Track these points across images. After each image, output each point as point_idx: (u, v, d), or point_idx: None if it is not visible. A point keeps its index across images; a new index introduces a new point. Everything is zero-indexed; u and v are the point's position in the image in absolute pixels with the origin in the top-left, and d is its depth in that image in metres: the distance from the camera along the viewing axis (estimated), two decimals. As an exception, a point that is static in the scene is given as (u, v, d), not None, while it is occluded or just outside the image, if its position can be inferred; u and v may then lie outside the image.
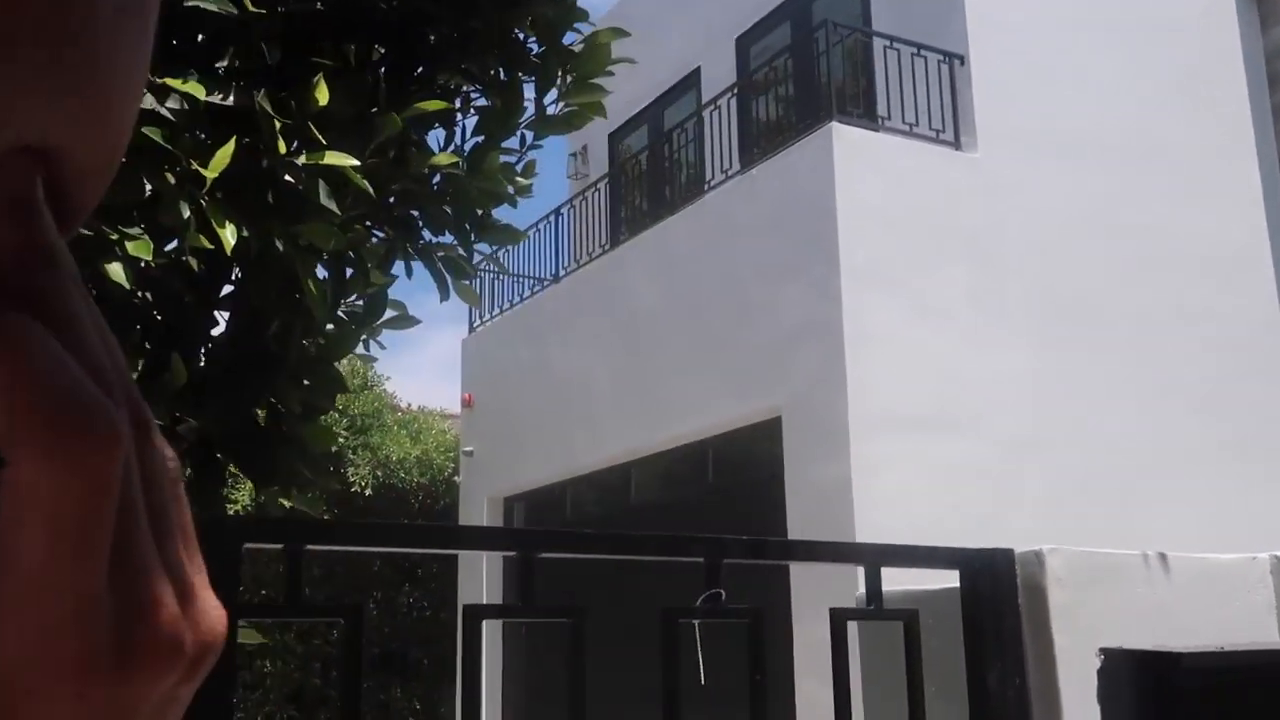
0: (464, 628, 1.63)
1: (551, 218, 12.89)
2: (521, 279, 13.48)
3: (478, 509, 13.39)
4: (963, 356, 8.89)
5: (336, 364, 2.73)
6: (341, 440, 14.61)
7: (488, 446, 13.45)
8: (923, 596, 2.82)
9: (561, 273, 12.76)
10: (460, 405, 14.09)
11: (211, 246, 2.26)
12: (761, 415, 9.26)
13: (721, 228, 10.00)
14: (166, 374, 2.33)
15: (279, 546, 1.56)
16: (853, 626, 2.12)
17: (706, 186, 10.59)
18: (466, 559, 13.43)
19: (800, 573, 8.31)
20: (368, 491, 14.47)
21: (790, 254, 9.09)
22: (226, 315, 2.74)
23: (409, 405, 17.96)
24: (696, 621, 1.98)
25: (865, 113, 9.58)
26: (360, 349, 2.97)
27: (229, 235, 2.24)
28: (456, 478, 14.32)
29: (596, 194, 12.27)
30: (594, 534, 1.80)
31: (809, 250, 8.91)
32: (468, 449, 13.76)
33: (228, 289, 2.78)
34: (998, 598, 2.16)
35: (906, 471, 8.36)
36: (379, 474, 14.75)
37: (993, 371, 8.99)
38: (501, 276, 13.78)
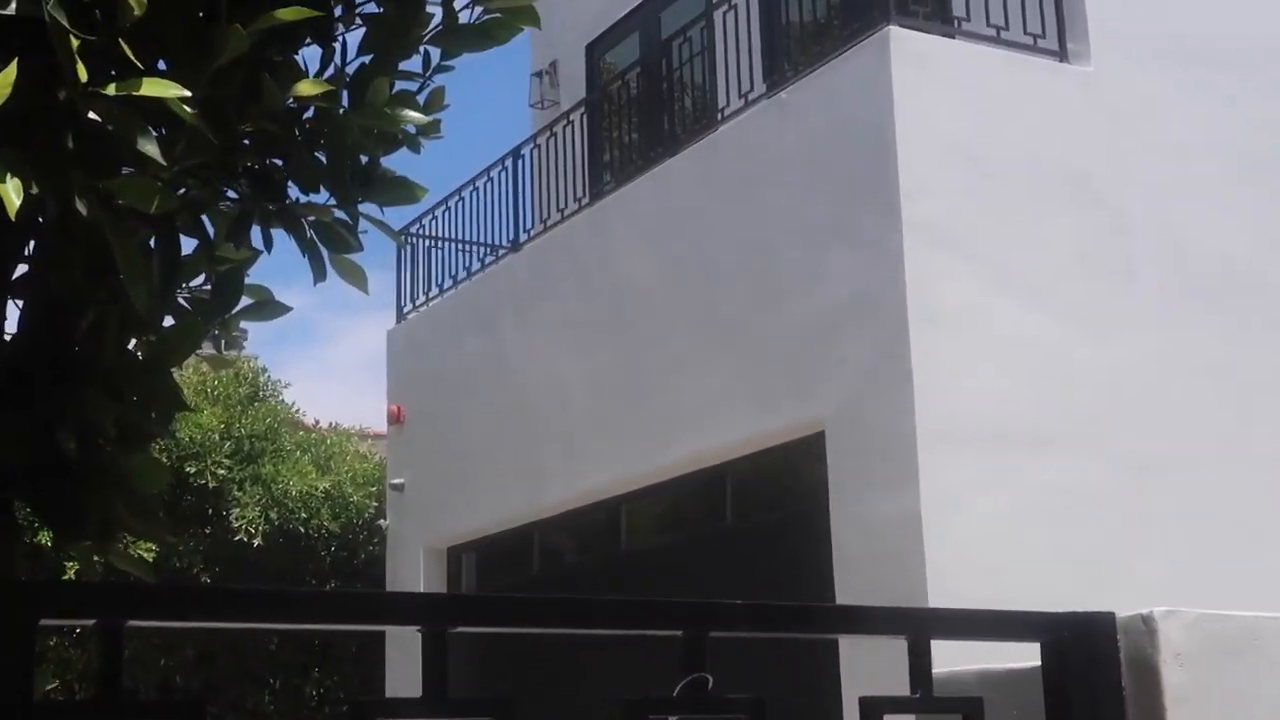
0: (346, 731, 1.63)
1: (508, 162, 12.90)
2: (467, 247, 13.49)
3: (411, 563, 13.42)
4: (1070, 344, 8.89)
5: (175, 370, 2.72)
6: (223, 472, 14.63)
7: (424, 477, 13.47)
8: (998, 678, 2.82)
9: (522, 237, 12.77)
10: (386, 421, 14.11)
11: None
12: (797, 429, 9.27)
13: (740, 172, 10.00)
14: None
15: (89, 622, 1.55)
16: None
17: (720, 116, 10.60)
18: (398, 633, 13.42)
19: (854, 643, 8.32)
20: (257, 541, 14.49)
21: (834, 206, 9.09)
22: (18, 306, 2.73)
23: (315, 422, 18.00)
24: (673, 719, 1.97)
25: (935, 11, 9.58)
26: (208, 346, 2.97)
27: (12, 193, 2.21)
28: (382, 521, 14.35)
29: (569, 128, 12.28)
30: (527, 600, 1.79)
31: (859, 201, 8.92)
32: (397, 481, 13.78)
33: (19, 269, 2.76)
34: (1092, 679, 2.15)
35: (994, 503, 8.36)
36: (274, 516, 14.78)
37: (1111, 365, 8.99)
38: (441, 247, 13.80)
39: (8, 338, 2.78)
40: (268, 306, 3.06)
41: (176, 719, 1.58)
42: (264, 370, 16.83)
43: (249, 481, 14.86)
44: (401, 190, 3.08)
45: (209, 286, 3.03)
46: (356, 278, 3.21)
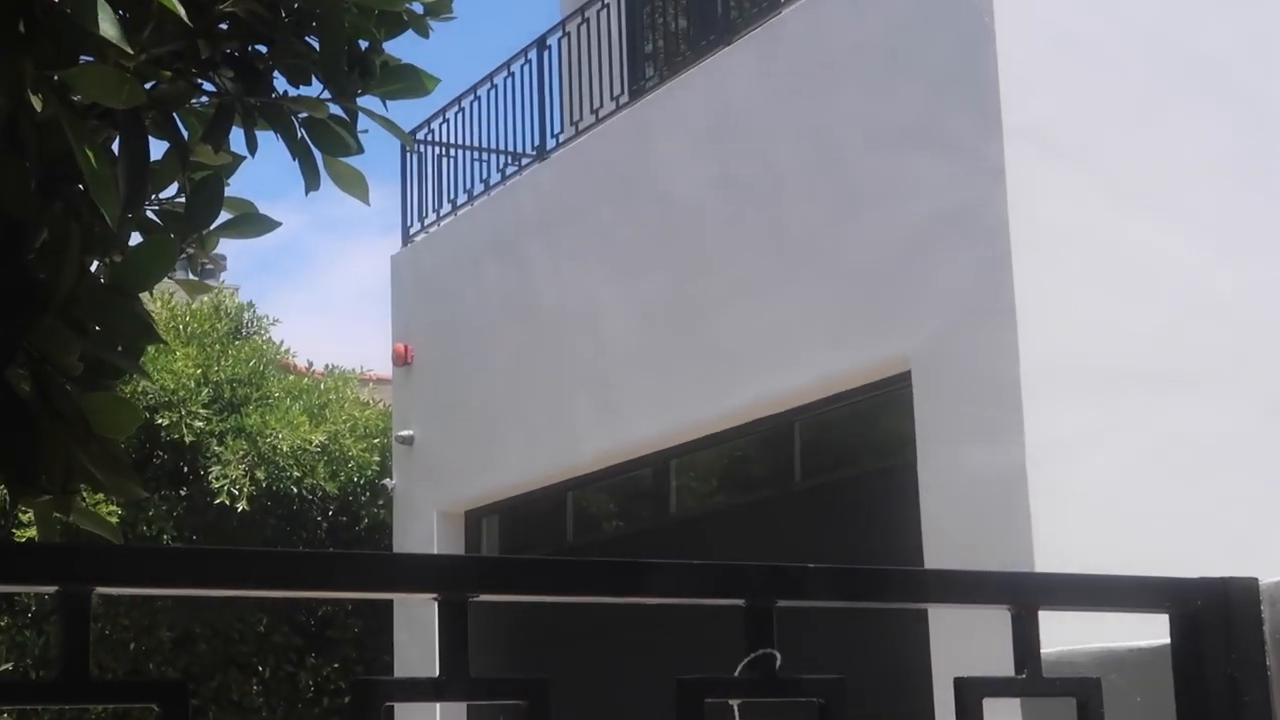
0: (355, 714, 1.65)
1: (532, 54, 12.88)
2: (484, 156, 13.50)
3: (423, 528, 13.53)
4: (1204, 268, 8.85)
5: (143, 297, 2.74)
6: (201, 424, 14.75)
7: (437, 429, 13.55)
8: (1118, 657, 2.83)
9: (550, 144, 12.77)
10: (391, 363, 14.19)
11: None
12: (879, 370, 9.29)
13: (809, 65, 9.96)
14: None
15: (50, 589, 1.58)
16: (1007, 703, 2.12)
17: (783, -3, 10.56)
18: (405, 608, 13.57)
19: (946, 615, 8.37)
20: (241, 505, 14.62)
21: (921, 106, 9.06)
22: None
23: (308, 365, 18.10)
24: (735, 702, 1.98)
25: None
26: (181, 270, 2.99)
27: None
28: (388, 481, 14.46)
29: (605, 13, 12.25)
30: (564, 564, 1.80)
31: (952, 99, 8.88)
32: (405, 433, 13.88)
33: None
34: (1231, 657, 2.16)
35: (1111, 455, 8.36)
36: (260, 475, 14.90)
37: (1254, 291, 8.95)
38: (452, 155, 13.82)
39: None
40: (252, 221, 3.06)
41: (154, 702, 1.60)
42: (248, 305, 16.92)
43: (231, 434, 14.98)
44: (408, 80, 3.08)
45: (181, 198, 3.05)
46: (356, 185, 3.21)
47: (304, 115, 3.00)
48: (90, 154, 2.48)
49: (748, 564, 1.95)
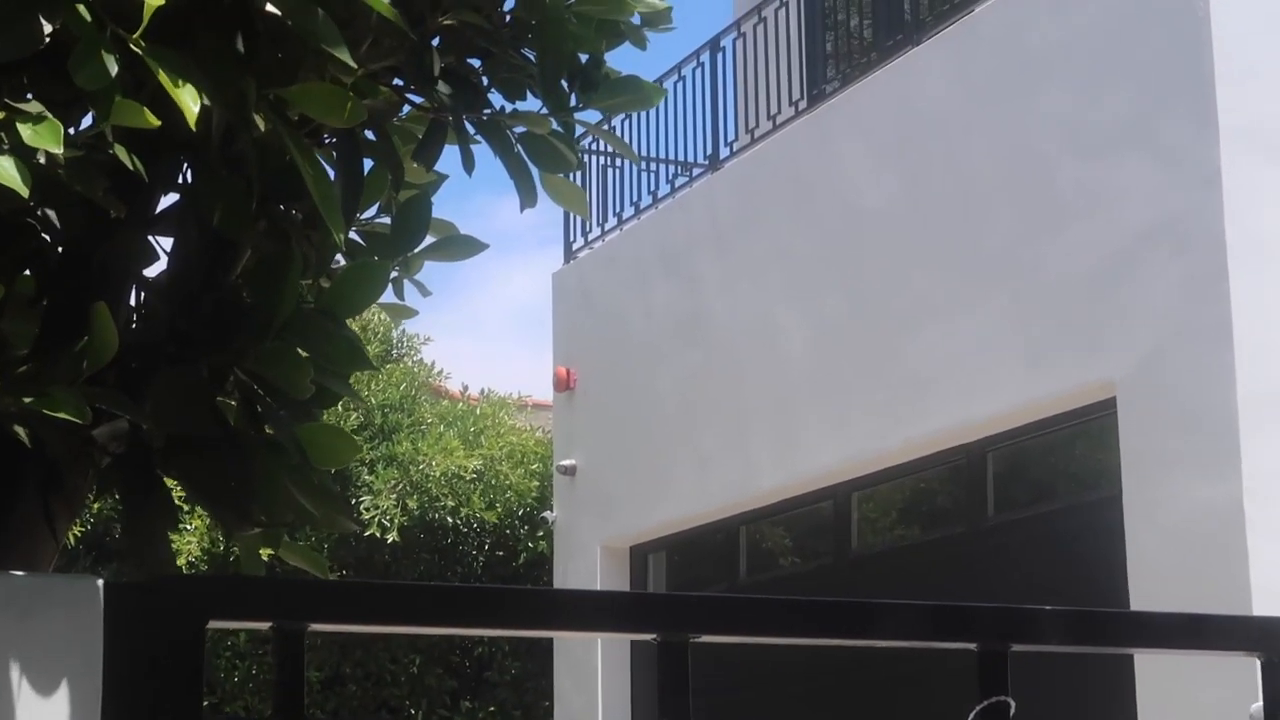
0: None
1: (705, 56, 12.94)
2: (653, 166, 13.57)
3: (586, 563, 13.59)
4: None
5: (349, 323, 2.81)
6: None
7: (601, 458, 13.62)
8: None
9: (724, 152, 12.81)
10: (552, 387, 14.28)
11: (156, 123, 2.33)
12: (1081, 396, 9.21)
13: (1005, 65, 9.92)
14: (82, 339, 2.42)
15: (264, 626, 1.64)
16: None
17: (976, -8, 10.51)
18: (568, 650, 13.65)
19: (1153, 660, 8.29)
20: (392, 536, 14.80)
21: (1128, 107, 8.98)
22: (168, 245, 2.83)
23: (463, 389, 18.27)
24: (967, 752, 2.01)
25: None
26: (388, 295, 3.05)
27: (188, 99, 2.31)
28: (548, 513, 14.56)
29: (783, 11, 12.28)
30: (793, 604, 1.83)
31: (1162, 99, 8.79)
32: (567, 462, 13.96)
33: (167, 200, 2.87)
34: None
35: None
36: (412, 505, 15.07)
37: None
38: (619, 165, 13.89)
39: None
40: (458, 243, 3.12)
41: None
42: (398, 324, 17.10)
43: (382, 463, 15.18)
44: (633, 93, 3.11)
45: (384, 219, 3.12)
46: (574, 200, 3.25)
47: (521, 130, 3.06)
48: (317, 173, 2.56)
49: (979, 605, 1.97)
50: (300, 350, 2.65)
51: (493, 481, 15.59)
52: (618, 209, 13.91)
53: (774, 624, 1.91)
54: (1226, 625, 2.09)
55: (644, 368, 13.10)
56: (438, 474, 15.18)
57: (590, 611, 1.84)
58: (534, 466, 15.84)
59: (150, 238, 2.90)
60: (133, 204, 2.75)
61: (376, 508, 14.82)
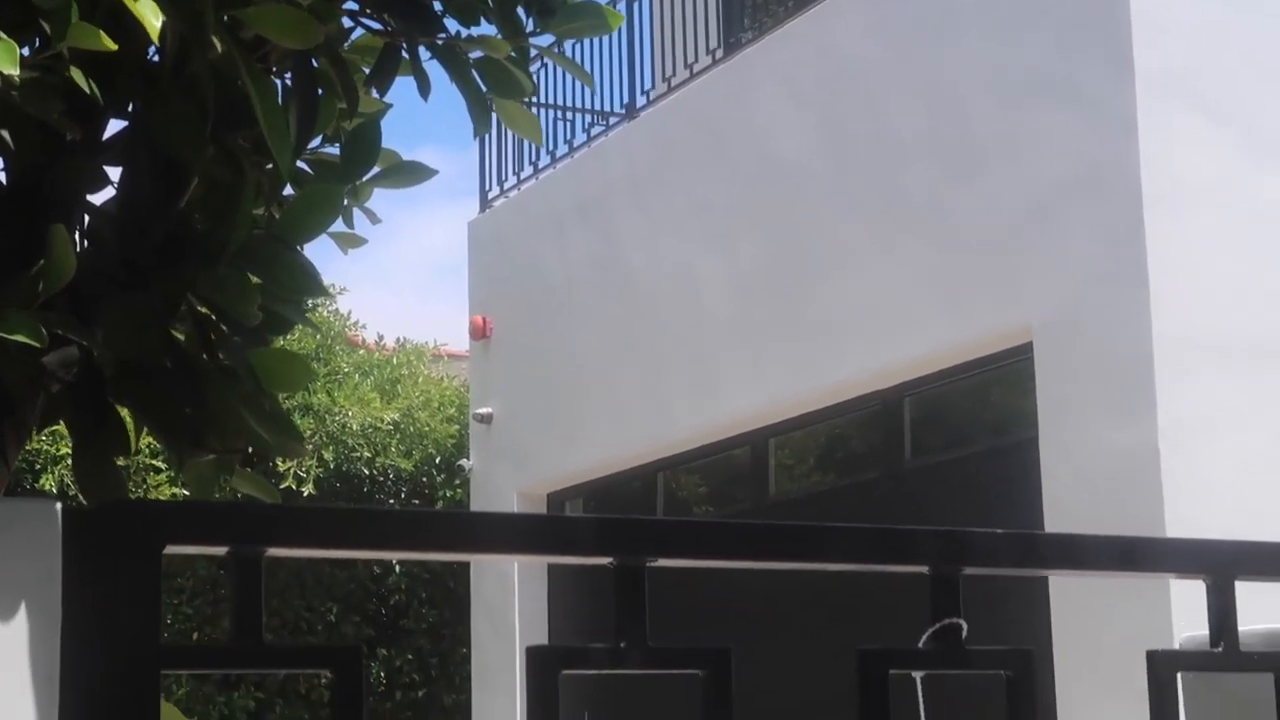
0: (533, 680, 1.69)
1: (621, 5, 12.88)
2: (569, 115, 13.53)
3: (503, 510, 13.56)
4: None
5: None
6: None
7: (518, 406, 13.61)
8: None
9: (640, 101, 12.78)
10: (468, 336, 14.25)
11: (113, 47, 2.30)
12: (998, 341, 9.26)
13: (923, 12, 9.93)
14: (37, 264, 2.38)
15: (221, 550, 1.63)
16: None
17: (893, -60, 10.52)
18: (485, 598, 13.66)
19: (1066, 595, 8.37)
20: (307, 489, 14.74)
21: (1046, 54, 9.01)
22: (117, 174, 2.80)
23: (379, 339, 18.19)
24: (919, 674, 2.01)
25: None
26: (337, 226, 3.02)
27: (148, 14, 2.27)
28: (464, 461, 14.54)
29: (698, -41, 12.25)
30: (744, 527, 1.83)
31: (1079, 46, 8.83)
32: (483, 410, 13.94)
33: (116, 125, 2.83)
34: None
35: (1253, 433, 8.31)
36: (329, 456, 15.01)
37: None
38: (535, 112, 13.83)
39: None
40: (407, 170, 3.10)
41: (328, 668, 1.65)
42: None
43: (297, 413, 15.09)
44: (590, 19, 3.10)
45: (330, 149, 3.09)
46: (528, 127, 3.24)
47: (478, 55, 3.04)
48: (268, 99, 2.53)
49: (932, 529, 1.97)
50: (253, 277, 2.63)
51: (410, 431, 15.55)
52: (534, 158, 13.87)
53: (730, 548, 1.91)
54: (1174, 548, 2.11)
55: (561, 316, 13.09)
56: (354, 426, 15.11)
57: (548, 536, 1.83)
58: (451, 413, 15.80)
59: (99, 165, 2.87)
60: (84, 129, 2.72)
61: (289, 460, 14.74)
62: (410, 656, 15.44)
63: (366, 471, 15.32)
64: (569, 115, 13.57)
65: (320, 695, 15.03)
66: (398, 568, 15.46)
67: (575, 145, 13.46)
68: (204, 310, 2.74)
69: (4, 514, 1.56)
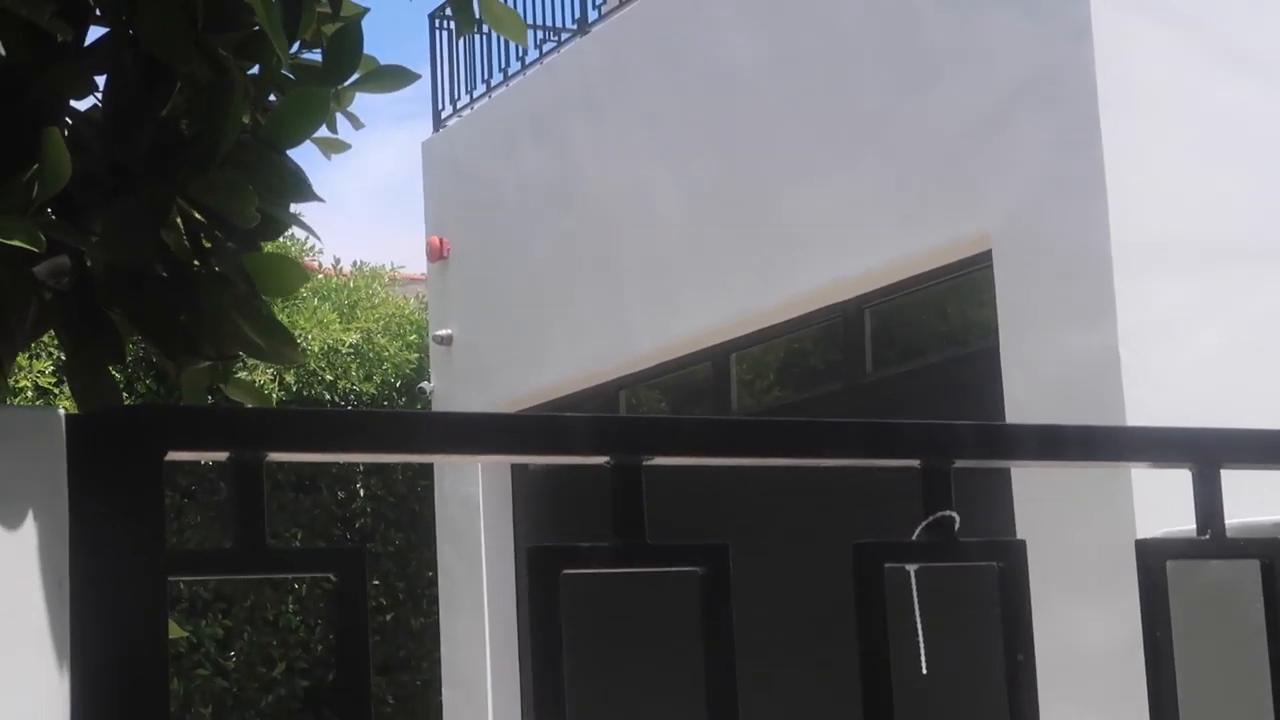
0: (534, 581, 1.70)
1: (569, -81, 12.82)
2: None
3: (465, 434, 13.58)
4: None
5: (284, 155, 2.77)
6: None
7: (477, 327, 13.61)
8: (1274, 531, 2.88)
9: (591, 15, 12.72)
10: (426, 258, 14.22)
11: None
12: (956, 250, 9.28)
13: (873, -79, 9.90)
14: (31, 167, 2.36)
15: (222, 455, 1.63)
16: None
17: None
18: (450, 520, 13.70)
19: (1028, 489, 8.44)
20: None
21: (998, -39, 9.00)
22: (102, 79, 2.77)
23: (336, 263, 18.15)
24: (912, 568, 2.03)
25: None
26: (322, 130, 3.00)
27: None
28: (425, 384, 14.55)
29: (647, -127, 12.17)
30: (743, 424, 1.84)
31: (1031, -48, 8.82)
32: (442, 332, 13.93)
33: (96, 32, 2.80)
34: None
35: (1213, 335, 8.36)
36: (290, 379, 15.00)
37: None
38: (486, 31, 13.75)
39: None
40: (390, 74, 3.08)
41: (331, 571, 1.66)
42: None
43: (257, 337, 15.08)
44: None
45: (309, 55, 3.07)
46: (513, 27, 3.22)
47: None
48: None
49: (922, 423, 1.99)
50: (239, 182, 2.62)
51: (370, 355, 15.54)
52: (486, 75, 13.81)
53: (726, 445, 1.92)
54: (1159, 437, 2.12)
55: (518, 235, 13.07)
56: (315, 348, 15.10)
57: (544, 436, 1.84)
58: (411, 338, 15.79)
59: (85, 69, 2.84)
60: (74, 35, 2.70)
61: (253, 380, 14.70)
62: (377, 581, 15.48)
63: (328, 396, 15.31)
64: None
65: (288, 621, 15.07)
66: (363, 492, 15.49)
67: (528, 62, 13.39)
68: (196, 215, 2.74)
69: (8, 421, 1.57)
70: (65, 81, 2.74)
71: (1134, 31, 8.54)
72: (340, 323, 15.43)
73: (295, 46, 2.90)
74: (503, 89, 13.62)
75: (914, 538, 1.95)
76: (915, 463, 1.95)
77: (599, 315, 12.12)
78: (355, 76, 3.05)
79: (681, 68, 11.43)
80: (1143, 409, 8.14)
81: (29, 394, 13.82)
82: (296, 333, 15.13)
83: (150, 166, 2.62)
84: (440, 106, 14.33)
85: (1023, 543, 1.96)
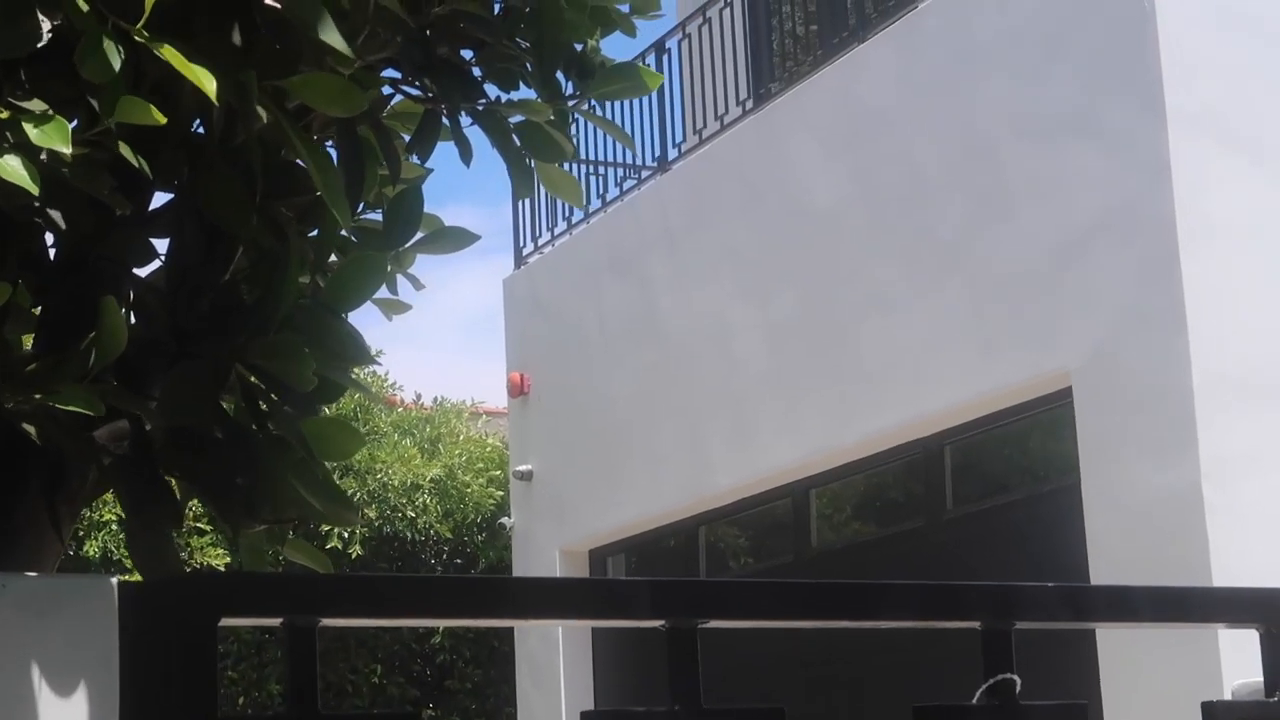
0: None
1: (650, 58, 12.93)
2: (602, 170, 13.56)
3: (545, 568, 13.57)
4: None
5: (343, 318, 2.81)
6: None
7: (557, 463, 13.61)
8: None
9: (672, 154, 12.81)
10: (507, 394, 14.26)
11: (163, 120, 2.33)
12: (1037, 386, 9.24)
13: (951, 58, 9.94)
14: (89, 336, 2.40)
15: (276, 621, 1.64)
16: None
17: (919, -13, 10.54)
18: (530, 655, 13.64)
19: (1113, 644, 8.33)
20: (355, 550, 14.77)
21: (1076, 95, 9.01)
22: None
23: (417, 399, 18.24)
24: (974, 729, 2.01)
25: None
26: (381, 292, 3.03)
27: (204, 80, 2.32)
28: (505, 520, 14.54)
29: (728, 11, 12.30)
30: (797, 586, 1.84)
31: (1109, 81, 8.84)
32: (523, 468, 13.94)
33: (160, 198, 2.86)
34: None
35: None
36: (372, 515, 15.04)
37: None
38: (566, 168, 13.85)
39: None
40: (450, 235, 3.12)
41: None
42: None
43: (337, 473, 15.14)
44: (629, 80, 3.11)
45: (372, 215, 3.11)
46: (569, 190, 3.25)
47: (519, 119, 3.07)
48: (321, 164, 2.55)
49: (983, 584, 1.98)
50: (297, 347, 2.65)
51: (452, 491, 15.57)
52: (567, 214, 13.90)
53: (780, 608, 1.91)
54: (1226, 598, 2.10)
55: (598, 371, 13.10)
56: (396, 482, 15.15)
57: (599, 599, 1.84)
58: (495, 474, 15.81)
59: (146, 237, 2.90)
60: (136, 203, 2.74)
61: (312, 545, 14.76)
62: (456, 718, 15.43)
63: (409, 534, 15.36)
64: (601, 169, 13.60)
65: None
66: (442, 626, 15.48)
67: (608, 199, 13.48)
68: (253, 380, 2.76)
69: (61, 591, 1.58)
70: (125, 250, 2.78)
71: (1213, 164, 8.53)
72: (421, 458, 15.48)
73: (359, 208, 2.95)
74: (583, 226, 13.71)
75: (974, 700, 1.94)
76: (976, 624, 1.94)
77: (678, 451, 12.11)
78: (417, 237, 3.09)
79: (761, 203, 11.48)
80: (1228, 546, 8.05)
81: (94, 559, 14.05)
82: (378, 466, 15.19)
83: (210, 331, 2.66)
84: (522, 244, 14.43)
85: (1084, 706, 1.94)
